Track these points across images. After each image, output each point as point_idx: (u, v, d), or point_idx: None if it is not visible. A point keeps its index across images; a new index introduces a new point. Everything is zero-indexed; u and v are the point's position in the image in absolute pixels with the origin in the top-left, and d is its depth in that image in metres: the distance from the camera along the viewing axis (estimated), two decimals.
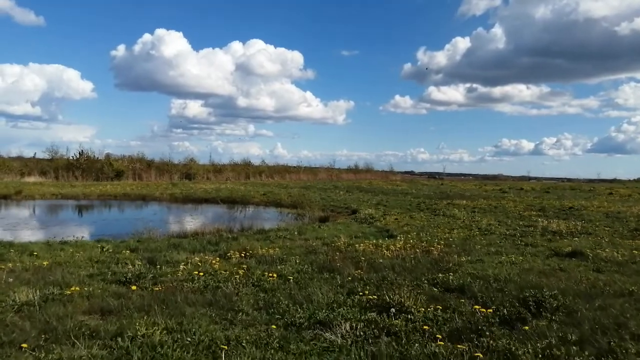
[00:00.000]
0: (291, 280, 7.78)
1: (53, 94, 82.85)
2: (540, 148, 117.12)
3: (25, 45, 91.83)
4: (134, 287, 7.18)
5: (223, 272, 8.21)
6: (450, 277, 8.11)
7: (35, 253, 10.11)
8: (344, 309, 6.07)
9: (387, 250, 11.06)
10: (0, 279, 7.46)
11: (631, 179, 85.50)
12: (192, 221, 19.61)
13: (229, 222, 18.12)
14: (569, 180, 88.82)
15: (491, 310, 6.09)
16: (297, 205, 27.23)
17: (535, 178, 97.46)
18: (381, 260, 9.56)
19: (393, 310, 5.90)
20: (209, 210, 27.29)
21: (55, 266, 8.87)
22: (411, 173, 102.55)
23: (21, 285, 7.07)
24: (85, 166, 44.93)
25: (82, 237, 13.60)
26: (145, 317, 5.65)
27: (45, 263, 8.95)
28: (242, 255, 10.19)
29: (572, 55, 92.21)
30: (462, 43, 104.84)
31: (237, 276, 7.84)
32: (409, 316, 5.82)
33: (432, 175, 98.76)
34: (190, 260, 9.32)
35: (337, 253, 10.76)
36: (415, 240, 13.37)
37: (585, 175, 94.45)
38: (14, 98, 78.17)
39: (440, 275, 8.27)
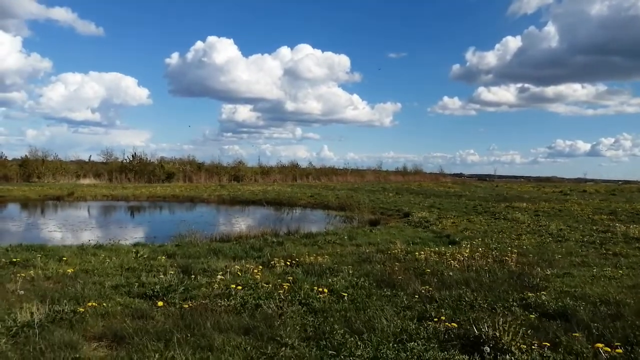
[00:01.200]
0: (345, 298, 6.32)
1: (112, 101, 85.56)
2: (597, 149, 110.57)
3: (86, 55, 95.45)
4: (160, 303, 5.95)
5: (265, 285, 6.86)
6: (543, 296, 6.43)
7: (64, 258, 9.12)
8: (417, 344, 4.55)
9: (453, 260, 9.41)
10: (10, 290, 6.39)
11: None
12: (237, 223, 18.56)
13: (274, 225, 16.89)
14: (627, 182, 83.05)
15: (620, 351, 4.41)
16: (345, 207, 25.77)
17: (592, 180, 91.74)
18: (450, 273, 7.94)
19: (487, 348, 4.32)
20: (256, 212, 26.25)
21: (81, 274, 7.80)
22: (460, 175, 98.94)
23: (33, 299, 5.96)
24: (138, 168, 45.18)
25: (121, 240, 12.66)
26: (162, 349, 4.35)
27: (70, 270, 7.88)
28: (288, 263, 8.83)
29: (630, 53, 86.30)
30: (513, 42, 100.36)
31: (281, 291, 6.46)
32: (511, 358, 4.23)
33: (482, 178, 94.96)
34: (229, 269, 8.02)
35: (396, 263, 9.22)
36: (482, 247, 11.65)
37: None
38: (76, 105, 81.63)
39: (529, 294, 6.60)
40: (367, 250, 10.81)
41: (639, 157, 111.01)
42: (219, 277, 7.40)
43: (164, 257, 9.35)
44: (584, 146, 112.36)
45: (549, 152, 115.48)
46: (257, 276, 7.49)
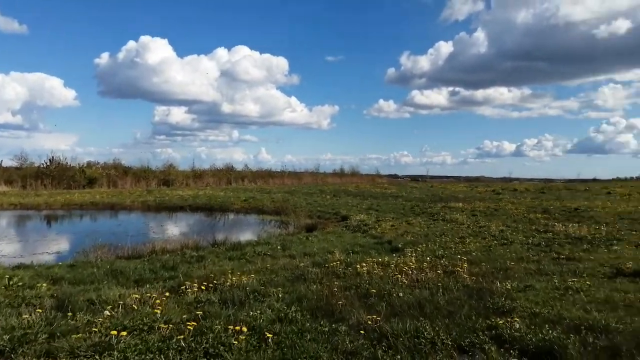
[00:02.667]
0: (270, 341, 4.71)
1: (35, 103, 78.91)
2: (521, 149, 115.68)
3: (8, 54, 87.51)
4: None
5: (164, 325, 5.10)
6: (516, 324, 5.13)
7: None
8: None
9: (400, 274, 8.05)
10: None
11: (610, 178, 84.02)
12: (157, 234, 16.44)
13: (200, 235, 14.99)
14: (549, 181, 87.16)
15: None
16: (281, 211, 24.17)
17: (517, 179, 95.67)
18: (400, 294, 6.52)
19: None
20: (182, 219, 24.04)
21: None
22: (395, 176, 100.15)
23: None
24: (56, 174, 41.16)
25: (6, 260, 10.37)
26: None
27: None
28: (203, 287, 7.09)
29: (553, 59, 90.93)
30: (445, 47, 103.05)
31: (182, 336, 4.74)
32: None
33: (415, 178, 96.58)
34: (124, 301, 6.18)
35: (335, 280, 7.72)
36: (428, 255, 10.44)
37: (565, 176, 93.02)
38: None
39: (498, 320, 5.29)
40: (302, 264, 9.26)
41: (559, 157, 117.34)
42: (106, 313, 5.57)
43: (45, 285, 7.31)
44: (509, 147, 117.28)
45: (478, 152, 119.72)
46: (157, 310, 5.71)
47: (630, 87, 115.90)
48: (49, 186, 39.30)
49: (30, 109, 79.48)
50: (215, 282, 7.43)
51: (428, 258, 9.79)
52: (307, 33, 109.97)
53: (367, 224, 17.96)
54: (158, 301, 6.16)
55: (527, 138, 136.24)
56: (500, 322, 5.17)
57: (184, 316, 5.49)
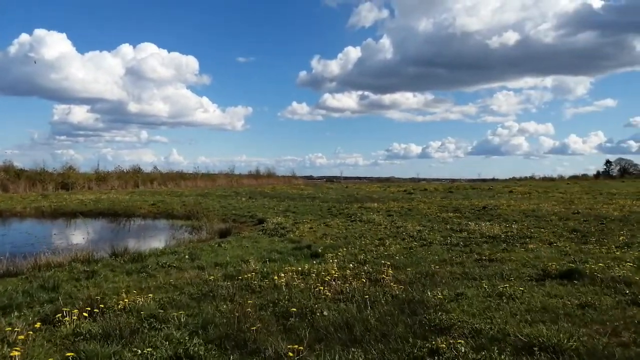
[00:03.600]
0: None
1: None
2: (427, 151, 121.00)
3: None
4: None
5: None
6: (459, 345, 4.42)
7: None
8: None
9: (322, 285, 7.19)
10: None
11: (507, 178, 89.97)
12: (46, 244, 14.28)
13: (96, 244, 13.20)
14: (453, 180, 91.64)
15: None
16: (193, 215, 22.53)
17: (425, 179, 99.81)
18: (325, 313, 5.63)
19: None
20: (80, 226, 21.62)
21: None
22: (310, 177, 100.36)
23: None
24: None
25: None
26: None
27: None
28: (86, 313, 5.74)
29: (451, 66, 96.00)
30: (354, 52, 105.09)
31: None
32: None
33: (330, 179, 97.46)
34: None
35: (249, 296, 6.69)
36: (350, 260, 9.71)
37: (467, 176, 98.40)
38: None
39: (438, 341, 4.56)
40: (212, 277, 8.09)
41: (461, 159, 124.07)
42: None
43: None
44: (416, 149, 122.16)
45: (387, 154, 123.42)
46: (17, 351, 4.35)
47: (521, 94, 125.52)
48: None
49: None
50: (103, 305, 6.10)
51: (351, 265, 9.04)
52: (217, 33, 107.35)
53: (285, 227, 17.06)
54: (21, 337, 4.77)
55: (432, 141, 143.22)
56: (442, 344, 4.43)
57: (51, 359, 4.19)
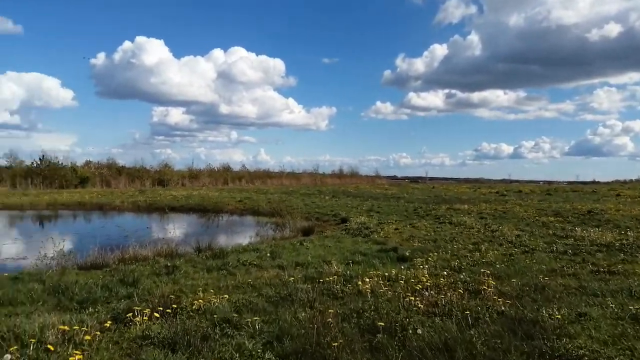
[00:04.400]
0: None
1: (32, 103, 76.97)
2: (519, 151, 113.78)
3: (3, 54, 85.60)
4: None
5: None
6: None
7: None
8: None
9: (412, 295, 6.33)
10: None
11: (609, 180, 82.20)
12: (136, 237, 14.63)
13: (183, 238, 13.28)
14: (549, 183, 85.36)
15: None
16: (277, 213, 22.40)
17: (517, 181, 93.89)
18: (419, 331, 4.76)
19: None
20: (171, 221, 22.28)
21: None
22: (394, 177, 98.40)
23: None
24: (47, 173, 39.41)
25: None
26: None
27: None
28: (158, 313, 5.36)
29: (546, 61, 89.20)
30: (440, 50, 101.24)
31: None
32: None
33: (414, 179, 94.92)
34: (43, 335, 4.45)
35: (331, 303, 6.00)
36: (442, 266, 8.72)
37: (564, 178, 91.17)
38: None
39: None
40: (292, 279, 7.50)
41: (557, 159, 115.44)
42: (6, 358, 3.86)
43: None
44: (507, 149, 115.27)
45: (476, 154, 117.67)
46: (78, 354, 3.98)
47: (624, 90, 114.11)
48: (39, 185, 37.58)
49: (28, 109, 77.75)
50: (176, 305, 5.70)
51: (444, 272, 8.05)
52: (303, 35, 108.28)
53: (369, 227, 16.27)
54: (88, 337, 4.42)
55: (524, 140, 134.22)
56: None
57: None
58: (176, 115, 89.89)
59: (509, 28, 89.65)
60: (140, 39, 79.89)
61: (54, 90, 78.68)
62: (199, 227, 20.28)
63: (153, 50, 77.71)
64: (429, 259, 9.62)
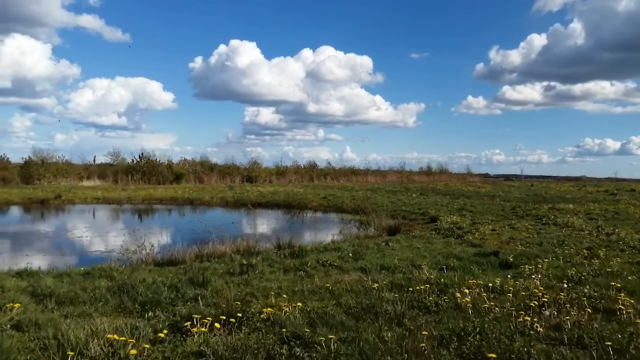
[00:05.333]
0: None
1: (137, 105, 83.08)
2: (627, 147, 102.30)
3: (113, 61, 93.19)
4: None
5: None
6: None
7: None
8: None
9: (526, 313, 5.05)
10: None
11: None
12: (217, 233, 14.39)
13: (264, 234, 12.77)
14: None
15: None
16: (361, 210, 21.42)
17: (624, 179, 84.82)
18: None
19: None
20: (255, 216, 22.16)
21: None
22: (486, 175, 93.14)
23: None
24: (146, 169, 41.60)
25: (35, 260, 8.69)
26: None
27: None
28: (220, 323, 4.61)
29: None
30: (538, 40, 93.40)
31: None
32: None
33: (508, 177, 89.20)
34: (88, 345, 3.85)
35: (422, 317, 4.92)
36: (557, 277, 7.24)
37: None
38: (103, 110, 79.41)
39: None
40: (376, 285, 6.50)
41: None
42: None
43: (18, 306, 5.22)
44: (613, 144, 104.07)
45: (577, 150, 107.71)
46: None
47: None
48: (139, 181, 39.71)
49: (134, 111, 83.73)
50: (243, 312, 4.93)
51: (562, 283, 6.61)
52: (391, 31, 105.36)
53: (462, 227, 14.81)
54: (133, 352, 3.75)
55: (634, 135, 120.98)
56: None
57: None
58: (266, 115, 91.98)
59: (618, 13, 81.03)
60: (234, 42, 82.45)
61: (157, 93, 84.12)
62: (282, 223, 19.88)
63: (246, 53, 79.99)
64: (539, 266, 8.14)
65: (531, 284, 6.52)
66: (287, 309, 5.17)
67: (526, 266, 8.07)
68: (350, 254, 9.48)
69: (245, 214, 23.08)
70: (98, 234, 15.48)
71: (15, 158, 39.58)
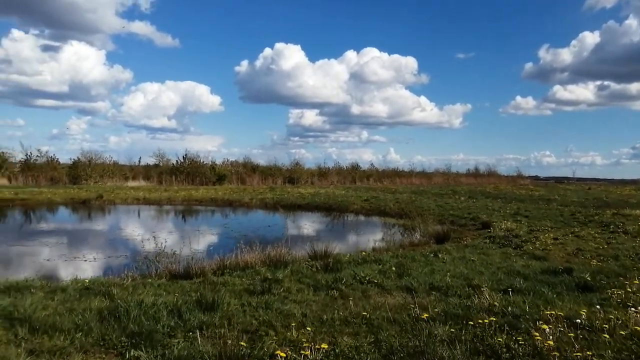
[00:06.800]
0: None
1: (186, 108, 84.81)
2: None
3: (164, 65, 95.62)
4: None
5: None
6: None
7: None
8: None
9: None
10: None
11: None
12: (247, 238, 13.34)
13: (299, 240, 11.59)
14: None
15: None
16: (405, 214, 19.90)
17: None
18: None
19: None
20: (292, 219, 21.05)
21: None
22: (536, 178, 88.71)
23: None
24: (190, 170, 41.50)
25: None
26: None
27: None
28: None
29: None
30: (591, 38, 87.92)
31: None
32: None
33: (559, 180, 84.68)
34: None
35: None
36: None
37: None
38: (154, 113, 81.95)
39: None
40: (425, 315, 5.11)
41: None
42: None
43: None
44: None
45: (634, 152, 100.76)
46: None
47: None
48: (182, 182, 39.59)
49: (183, 114, 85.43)
50: (251, 353, 3.70)
51: None
52: (436, 31, 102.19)
53: (518, 234, 13.13)
54: None
55: None
56: None
57: None
58: (310, 117, 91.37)
59: None
60: (279, 45, 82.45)
61: (205, 96, 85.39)
62: (320, 227, 18.63)
63: (291, 56, 79.70)
64: (628, 289, 6.50)
65: (629, 318, 4.97)
66: (309, 351, 3.89)
67: (613, 290, 6.45)
68: (393, 267, 8.10)
69: (283, 216, 22.02)
70: (123, 236, 14.74)
71: (69, 160, 40.35)
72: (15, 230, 16.59)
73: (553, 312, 5.14)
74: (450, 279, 7.18)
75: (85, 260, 10.64)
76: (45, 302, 5.34)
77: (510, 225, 15.08)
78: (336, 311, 5.37)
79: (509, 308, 5.41)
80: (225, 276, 7.40)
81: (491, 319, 4.84)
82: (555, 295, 6.27)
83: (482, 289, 6.25)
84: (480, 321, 4.79)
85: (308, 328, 4.59)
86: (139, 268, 8.52)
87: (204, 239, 14.15)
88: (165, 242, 9.81)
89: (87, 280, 6.60)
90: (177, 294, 5.89)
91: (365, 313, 5.25)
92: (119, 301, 5.28)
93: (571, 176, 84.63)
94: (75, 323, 4.58)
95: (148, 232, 14.76)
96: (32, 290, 5.76)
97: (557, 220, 17.20)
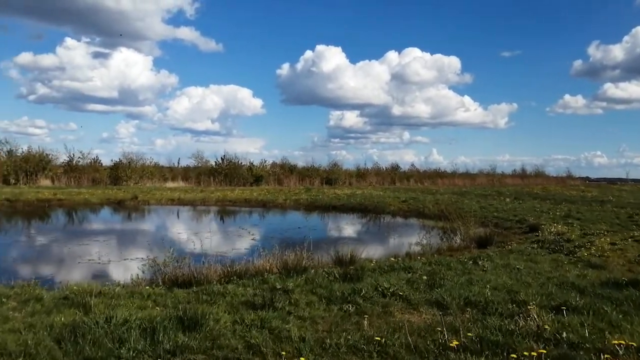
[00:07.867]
0: None
1: (229, 111, 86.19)
2: None
3: (208, 70, 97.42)
4: None
5: None
6: None
7: None
8: None
9: None
10: None
11: None
12: (261, 242, 12.47)
13: (325, 243, 10.65)
14: None
15: None
16: (445, 216, 18.55)
17: None
18: None
19: None
20: (324, 221, 20.10)
21: None
22: (587, 178, 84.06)
23: None
24: (228, 171, 41.32)
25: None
26: None
27: None
28: None
29: None
30: None
31: None
32: None
33: (611, 181, 79.79)
34: None
35: None
36: None
37: None
38: (198, 116, 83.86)
39: None
40: (455, 343, 4.04)
41: None
42: None
43: None
44: None
45: None
46: None
47: None
48: (220, 183, 39.42)
49: (226, 117, 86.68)
50: None
51: None
52: (480, 29, 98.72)
53: (570, 239, 11.72)
54: None
55: None
56: None
57: None
58: (351, 118, 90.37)
59: None
60: (320, 47, 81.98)
61: (247, 99, 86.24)
62: (352, 228, 17.61)
63: (331, 58, 79.08)
64: None
65: None
66: None
67: None
68: (424, 277, 7.00)
69: (316, 217, 21.12)
70: (142, 238, 14.21)
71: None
72: (24, 229, 16.45)
73: (622, 342, 3.96)
74: (490, 292, 6.02)
75: (98, 263, 10.08)
76: (11, 313, 4.61)
77: (561, 228, 13.59)
78: (345, 333, 4.37)
79: (564, 333, 4.25)
80: (230, 284, 6.54)
81: (540, 351, 3.72)
82: (621, 316, 5.03)
83: (529, 306, 5.09)
84: (526, 353, 3.68)
85: (302, 359, 3.62)
86: (145, 273, 7.84)
87: (223, 242, 13.41)
88: (174, 245, 9.08)
89: (74, 287, 5.86)
90: (163, 307, 5.04)
91: (379, 337, 4.22)
92: (90, 316, 4.48)
93: (625, 177, 79.70)
94: (25, 344, 3.79)
95: (169, 233, 14.21)
96: (3, 299, 5.05)
97: (614, 223, 15.48)
